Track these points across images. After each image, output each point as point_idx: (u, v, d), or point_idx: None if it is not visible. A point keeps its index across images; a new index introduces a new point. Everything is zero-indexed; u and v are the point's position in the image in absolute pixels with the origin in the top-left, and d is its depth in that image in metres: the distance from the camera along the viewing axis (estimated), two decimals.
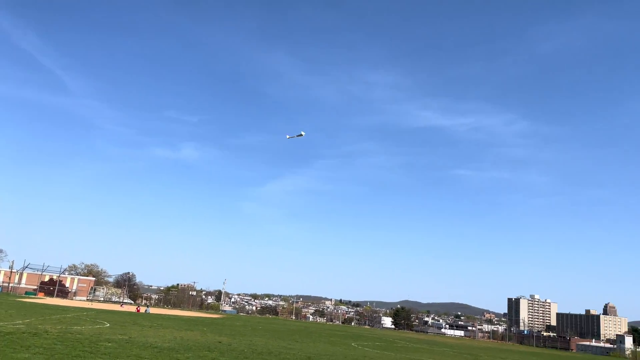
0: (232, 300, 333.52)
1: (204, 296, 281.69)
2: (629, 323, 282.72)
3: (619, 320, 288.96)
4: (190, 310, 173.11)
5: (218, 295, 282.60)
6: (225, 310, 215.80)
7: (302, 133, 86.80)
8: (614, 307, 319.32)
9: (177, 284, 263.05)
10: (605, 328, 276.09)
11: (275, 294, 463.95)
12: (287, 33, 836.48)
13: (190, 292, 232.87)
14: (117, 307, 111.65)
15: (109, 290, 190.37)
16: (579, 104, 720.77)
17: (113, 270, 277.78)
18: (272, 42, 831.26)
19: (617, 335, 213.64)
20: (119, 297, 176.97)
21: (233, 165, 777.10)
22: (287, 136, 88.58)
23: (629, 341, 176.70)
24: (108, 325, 46.02)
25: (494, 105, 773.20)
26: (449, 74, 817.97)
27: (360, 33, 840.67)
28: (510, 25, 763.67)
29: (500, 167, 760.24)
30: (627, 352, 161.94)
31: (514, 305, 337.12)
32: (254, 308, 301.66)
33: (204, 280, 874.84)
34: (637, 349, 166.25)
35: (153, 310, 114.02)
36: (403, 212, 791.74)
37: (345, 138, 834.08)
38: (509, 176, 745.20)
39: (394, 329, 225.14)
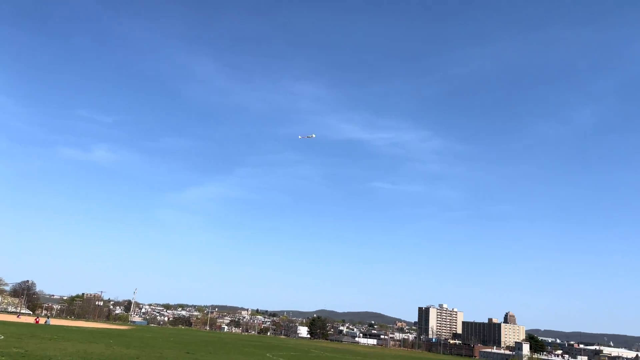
0: (143, 310, 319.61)
1: (111, 306, 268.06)
2: (526, 331, 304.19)
3: (517, 328, 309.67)
4: (96, 321, 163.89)
5: (127, 305, 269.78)
6: (134, 322, 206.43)
7: (313, 135, 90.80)
8: (513, 316, 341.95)
9: (83, 294, 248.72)
10: (506, 335, 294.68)
11: (190, 304, 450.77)
12: (214, 37, 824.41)
13: (97, 302, 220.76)
14: (13, 318, 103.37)
15: (4, 299, 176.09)
16: (487, 125, 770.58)
17: (10, 278, 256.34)
18: (198, 45, 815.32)
19: (515, 342, 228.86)
20: (16, 308, 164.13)
21: (150, 170, 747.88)
22: (299, 136, 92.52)
23: (526, 348, 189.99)
24: (2, 337, 42.56)
25: (412, 122, 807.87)
26: (371, 89, 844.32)
27: (287, 44, 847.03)
28: (429, 47, 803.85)
29: (416, 181, 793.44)
30: (525, 358, 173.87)
31: (424, 314, 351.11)
32: (166, 319, 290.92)
33: (113, 290, 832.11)
34: (533, 356, 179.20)
35: (54, 322, 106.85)
36: (323, 222, 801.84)
37: (268, 146, 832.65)
38: (424, 190, 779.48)
39: (310, 338, 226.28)
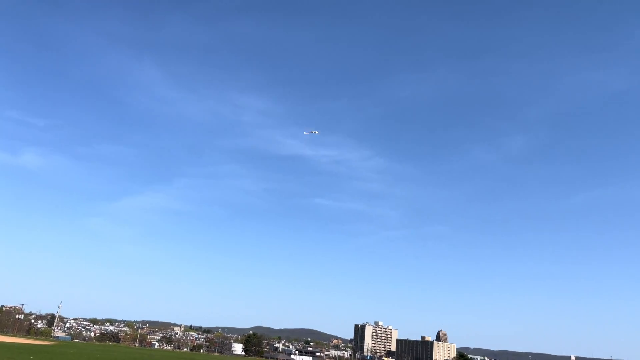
0: (67, 325, 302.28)
1: (33, 320, 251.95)
2: (457, 348, 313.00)
3: (449, 346, 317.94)
4: (16, 336, 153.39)
5: (51, 319, 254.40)
6: (57, 337, 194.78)
7: (317, 132, 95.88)
8: (445, 334, 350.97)
9: (2, 306, 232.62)
10: (437, 353, 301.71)
11: (119, 319, 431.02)
12: (160, 45, 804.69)
13: (17, 316, 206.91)
14: None
15: None
16: (426, 147, 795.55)
17: None
18: (142, 52, 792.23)
19: (446, 359, 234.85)
20: None
21: (83, 177, 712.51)
22: (305, 132, 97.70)
23: None
24: None
25: (355, 141, 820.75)
26: (317, 106, 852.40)
27: (234, 55, 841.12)
28: (374, 69, 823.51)
29: (357, 199, 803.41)
30: None
31: (359, 331, 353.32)
32: (92, 334, 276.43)
33: (35, 302, 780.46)
34: None
35: None
36: (262, 238, 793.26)
37: (210, 158, 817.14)
38: (364, 208, 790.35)
39: (245, 355, 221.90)
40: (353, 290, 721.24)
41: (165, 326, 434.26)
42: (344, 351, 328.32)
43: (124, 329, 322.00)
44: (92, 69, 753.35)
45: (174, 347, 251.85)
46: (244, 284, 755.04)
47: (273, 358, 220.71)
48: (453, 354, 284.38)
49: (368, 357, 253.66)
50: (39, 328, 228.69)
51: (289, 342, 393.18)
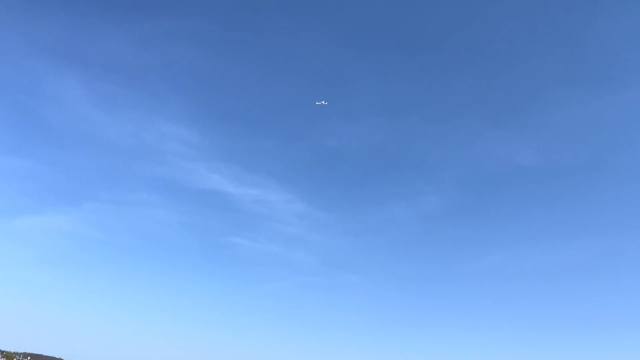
0: None
1: None
2: None
3: None
4: None
5: None
6: None
7: (326, 103, 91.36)
8: None
9: None
10: None
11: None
12: (85, 60, 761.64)
13: None
14: None
15: None
16: (347, 197, 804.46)
17: None
18: (64, 64, 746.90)
19: None
20: None
21: None
22: (317, 102, 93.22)
23: None
24: None
25: (279, 182, 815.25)
26: (244, 144, 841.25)
27: (165, 82, 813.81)
28: (306, 114, 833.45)
29: (275, 241, 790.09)
30: None
31: None
32: None
33: None
34: None
35: None
36: (174, 272, 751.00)
37: (126, 184, 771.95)
38: (282, 251, 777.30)
39: None
40: (261, 333, 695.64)
41: None
42: None
43: None
44: (6, 78, 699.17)
45: None
46: (150, 319, 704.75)
47: None
48: None
49: None
50: None
51: None
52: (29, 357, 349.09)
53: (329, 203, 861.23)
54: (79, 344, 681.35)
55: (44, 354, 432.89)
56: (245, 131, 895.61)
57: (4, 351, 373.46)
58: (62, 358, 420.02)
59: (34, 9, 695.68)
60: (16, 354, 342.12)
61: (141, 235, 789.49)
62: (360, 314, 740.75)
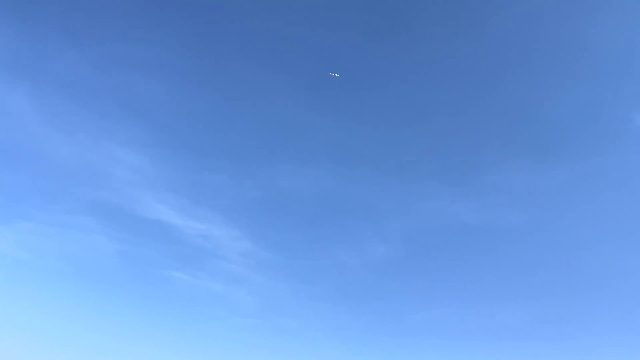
0: None
1: None
2: None
3: None
4: None
5: None
6: None
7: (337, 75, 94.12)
8: None
9: None
10: None
11: None
12: (39, 76, 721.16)
13: None
14: None
15: None
16: (295, 240, 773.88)
17: None
18: (15, 78, 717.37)
19: None
20: None
21: None
22: (330, 73, 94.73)
23: None
24: None
25: (227, 219, 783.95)
26: (195, 176, 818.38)
27: (118, 105, 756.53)
28: (260, 153, 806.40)
29: (217, 279, 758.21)
30: None
31: None
32: None
33: None
34: None
35: None
36: (106, 302, 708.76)
37: (64, 205, 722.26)
38: (223, 290, 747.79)
39: None
40: None
41: None
42: None
43: None
44: None
45: None
46: (76, 350, 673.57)
47: None
48: None
49: None
50: None
51: None
52: None
53: (275, 244, 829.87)
54: None
55: None
56: (197, 164, 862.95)
57: None
58: None
59: None
60: None
61: (74, 261, 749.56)
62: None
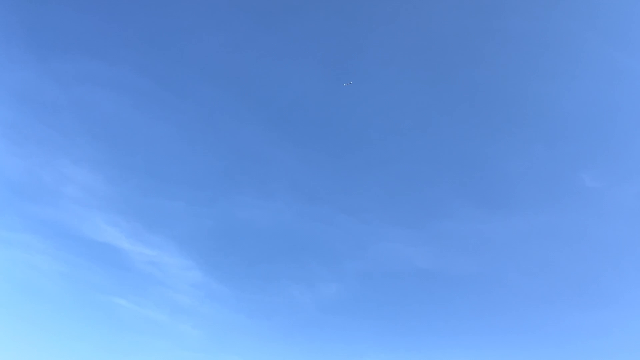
0: None
1: None
2: None
3: None
4: None
5: None
6: None
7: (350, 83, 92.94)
8: None
9: None
10: None
11: None
12: None
13: None
14: None
15: None
16: (248, 274, 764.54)
17: None
18: None
19: None
20: None
21: None
22: (344, 84, 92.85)
23: None
24: None
25: (179, 247, 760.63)
26: (151, 201, 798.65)
27: (77, 121, 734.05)
28: (219, 182, 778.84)
29: (163, 309, 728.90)
30: None
31: None
32: None
33: None
34: None
35: None
36: (43, 324, 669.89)
37: (7, 222, 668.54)
38: (168, 320, 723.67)
39: None
40: None
41: None
42: None
43: None
44: None
45: None
46: None
47: None
48: None
49: None
50: None
51: None
52: None
53: (227, 276, 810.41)
54: None
55: None
56: (153, 188, 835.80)
57: None
58: None
59: None
60: None
61: (14, 280, 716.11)
62: None
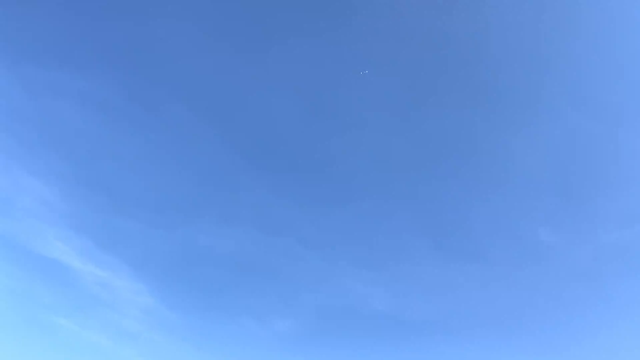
0: None
1: None
2: None
3: None
4: None
5: None
6: None
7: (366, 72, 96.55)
8: None
9: None
10: None
11: None
12: None
13: None
14: None
15: None
16: (204, 303, 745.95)
17: None
18: None
19: None
20: None
21: None
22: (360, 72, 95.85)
23: None
24: None
25: (134, 269, 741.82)
26: (107, 219, 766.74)
27: (36, 132, 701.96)
28: (182, 208, 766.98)
29: (107, 333, 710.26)
30: None
31: None
32: None
33: None
34: None
35: None
36: None
37: None
38: (111, 347, 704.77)
39: None
40: None
41: None
42: None
43: None
44: None
45: None
46: None
47: None
48: None
49: None
50: None
51: None
52: None
53: (180, 303, 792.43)
54: None
55: None
56: (112, 206, 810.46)
57: None
58: None
59: None
60: None
61: None
62: None
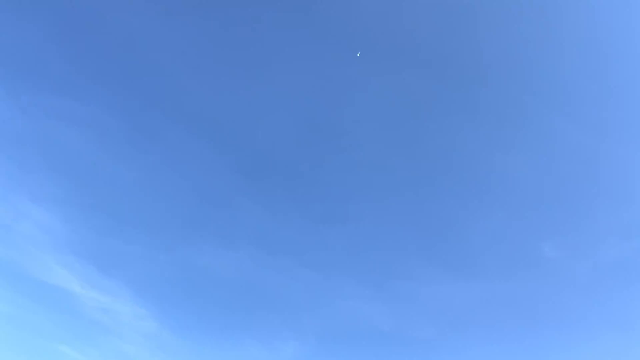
0: None
1: None
2: None
3: None
4: None
5: None
6: None
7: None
8: None
9: None
10: None
11: None
12: None
13: None
14: None
15: None
16: (206, 328, 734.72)
17: None
18: None
19: None
20: None
21: None
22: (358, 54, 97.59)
23: None
24: None
25: (135, 294, 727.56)
26: (107, 243, 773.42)
27: (36, 157, 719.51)
28: (178, 226, 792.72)
29: (110, 359, 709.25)
30: None
31: None
32: None
33: None
34: None
35: None
36: None
37: None
38: None
39: None
40: None
41: None
42: None
43: None
44: None
45: None
46: None
47: None
48: None
49: None
50: None
51: None
52: None
53: (183, 327, 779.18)
54: None
55: None
56: (112, 230, 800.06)
57: None
58: None
59: None
60: None
61: None
62: None
